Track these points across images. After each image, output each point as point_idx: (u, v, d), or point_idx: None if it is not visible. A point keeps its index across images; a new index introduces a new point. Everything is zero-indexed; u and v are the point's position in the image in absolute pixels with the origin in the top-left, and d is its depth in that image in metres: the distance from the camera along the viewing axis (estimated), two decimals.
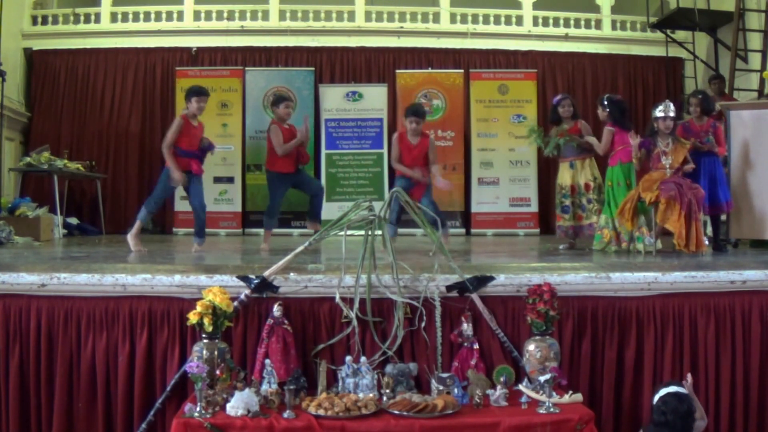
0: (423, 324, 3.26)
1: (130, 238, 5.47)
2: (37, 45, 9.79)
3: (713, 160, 5.41)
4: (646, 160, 5.28)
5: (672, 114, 5.12)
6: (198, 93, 5.72)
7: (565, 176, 5.86)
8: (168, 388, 3.20)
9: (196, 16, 9.99)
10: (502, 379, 3.02)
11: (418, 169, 5.65)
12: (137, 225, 5.61)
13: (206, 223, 8.69)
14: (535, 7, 10.21)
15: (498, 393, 2.95)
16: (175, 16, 9.94)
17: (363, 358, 3.14)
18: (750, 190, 5.64)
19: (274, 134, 5.74)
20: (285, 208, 8.41)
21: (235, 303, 3.21)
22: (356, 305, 3.22)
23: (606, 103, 5.68)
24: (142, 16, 9.92)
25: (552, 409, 2.84)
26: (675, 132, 5.20)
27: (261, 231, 8.79)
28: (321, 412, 2.76)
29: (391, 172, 9.02)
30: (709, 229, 5.90)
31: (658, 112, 5.16)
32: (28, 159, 8.18)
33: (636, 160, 5.25)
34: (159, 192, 5.64)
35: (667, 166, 5.07)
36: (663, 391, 2.88)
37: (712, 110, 5.60)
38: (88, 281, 3.34)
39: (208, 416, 2.74)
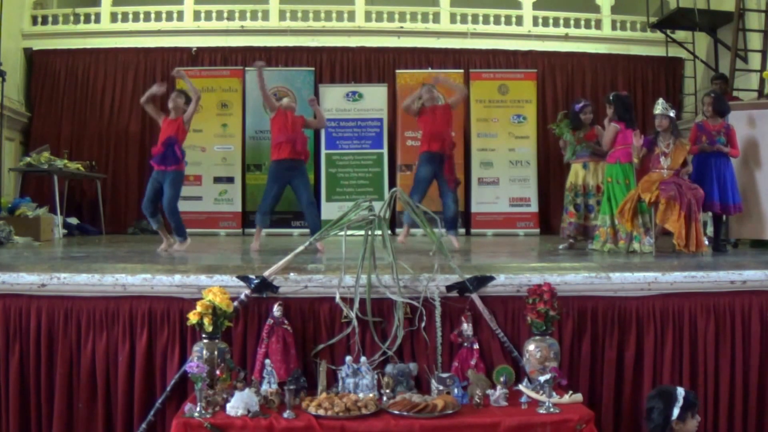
0: (423, 324, 3.26)
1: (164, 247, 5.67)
2: (37, 45, 9.79)
3: (724, 161, 5.39)
4: (647, 160, 5.27)
5: (660, 111, 5.14)
6: (172, 92, 5.78)
7: (578, 176, 5.89)
8: (168, 388, 3.20)
9: (196, 16, 9.99)
10: (502, 379, 3.02)
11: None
12: (160, 233, 5.77)
13: (206, 223, 8.85)
14: (535, 7, 10.21)
15: (498, 393, 2.95)
16: (175, 16, 9.94)
17: (363, 358, 3.15)
18: (750, 190, 5.64)
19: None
20: (285, 208, 8.43)
21: (235, 303, 3.21)
22: (356, 305, 3.22)
23: (612, 99, 5.68)
24: (142, 16, 9.92)
25: (552, 409, 2.84)
26: (676, 132, 5.19)
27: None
28: (321, 412, 2.76)
29: (392, 171, 9.12)
30: (709, 230, 5.90)
31: (654, 110, 5.20)
32: (28, 159, 8.18)
33: (637, 159, 5.23)
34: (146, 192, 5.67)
35: (666, 167, 5.06)
36: (652, 394, 2.95)
37: (726, 111, 5.54)
38: (88, 281, 3.34)
39: (208, 416, 2.74)
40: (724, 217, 5.63)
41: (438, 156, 5.66)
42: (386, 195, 4.34)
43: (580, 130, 5.92)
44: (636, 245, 5.20)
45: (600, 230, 5.48)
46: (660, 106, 5.17)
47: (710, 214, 5.59)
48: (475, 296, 3.31)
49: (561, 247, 5.83)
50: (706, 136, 5.39)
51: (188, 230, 5.85)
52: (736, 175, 5.56)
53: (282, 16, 10.06)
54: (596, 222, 5.73)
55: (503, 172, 9.27)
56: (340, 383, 3.09)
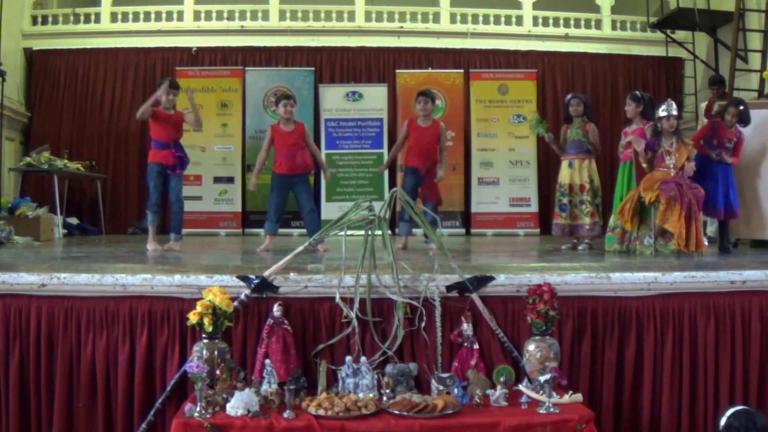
0: (423, 324, 3.26)
1: (149, 245, 5.53)
2: (37, 45, 9.79)
3: (728, 166, 5.36)
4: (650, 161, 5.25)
5: (675, 113, 5.10)
6: (170, 85, 5.62)
7: (564, 174, 5.87)
8: (168, 388, 3.20)
9: (196, 16, 9.99)
10: (502, 379, 3.02)
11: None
12: (150, 231, 5.66)
13: (206, 223, 8.85)
14: (535, 7, 10.22)
15: (498, 393, 2.95)
16: (175, 16, 9.95)
17: (363, 358, 3.14)
18: (750, 191, 5.64)
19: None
20: (286, 208, 8.44)
21: (235, 303, 3.21)
22: (356, 305, 3.22)
23: (641, 98, 5.61)
24: (142, 16, 9.93)
25: (552, 409, 2.84)
26: (678, 131, 5.18)
27: (261, 231, 8.85)
28: (321, 412, 2.76)
29: (392, 171, 9.09)
30: (710, 229, 5.90)
31: (662, 112, 5.12)
32: (28, 159, 8.18)
33: (645, 163, 5.17)
34: (150, 189, 5.59)
35: (671, 165, 5.05)
36: (730, 411, 2.83)
37: (749, 121, 5.41)
38: (88, 281, 3.34)
39: (208, 416, 2.74)
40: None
41: (420, 171, 5.65)
42: (386, 195, 4.34)
43: (573, 123, 5.89)
44: (644, 248, 5.17)
45: (616, 231, 5.46)
46: (670, 107, 5.12)
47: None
48: (475, 296, 3.30)
49: (564, 247, 5.82)
50: (717, 139, 5.34)
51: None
52: (736, 176, 5.55)
53: (282, 16, 10.06)
54: (583, 222, 5.73)
55: (503, 172, 9.27)
56: (340, 383, 3.09)
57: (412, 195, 5.61)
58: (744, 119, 5.37)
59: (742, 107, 5.39)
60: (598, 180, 5.85)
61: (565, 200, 5.82)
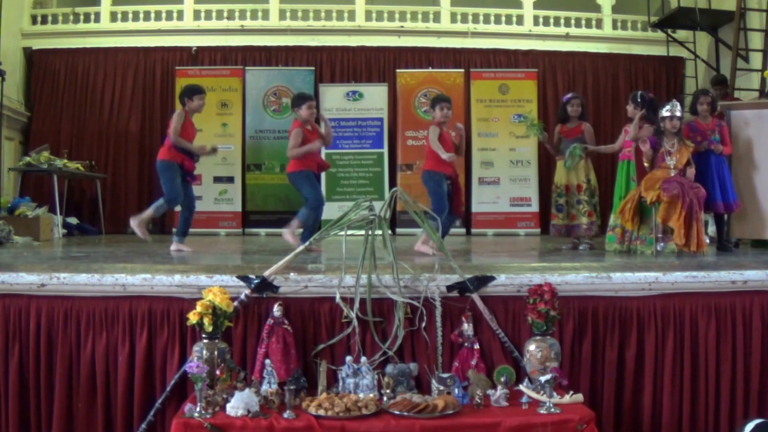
0: (423, 324, 3.25)
1: (140, 230, 5.63)
2: (37, 44, 9.79)
3: (721, 159, 5.36)
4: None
5: (679, 114, 5.09)
6: (200, 91, 5.71)
7: (560, 175, 5.85)
8: (168, 388, 3.19)
9: (196, 15, 9.99)
10: (502, 379, 3.01)
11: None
12: (151, 215, 5.77)
13: (206, 223, 8.84)
14: (536, 6, 10.21)
15: (498, 393, 2.94)
16: (175, 15, 9.95)
17: (363, 358, 3.14)
18: (751, 190, 5.62)
19: (294, 137, 5.41)
20: (285, 208, 8.45)
21: (235, 303, 3.20)
22: (356, 305, 3.22)
23: (640, 100, 5.55)
24: (142, 15, 9.92)
25: (552, 410, 2.83)
26: (681, 132, 5.17)
27: (260, 231, 8.87)
28: (321, 412, 2.75)
29: (393, 171, 9.10)
30: (710, 230, 5.88)
31: (665, 112, 5.11)
32: (27, 159, 8.19)
33: (648, 162, 5.16)
34: (174, 186, 5.51)
35: (672, 166, 5.03)
36: (750, 425, 2.83)
37: (717, 108, 5.55)
38: (88, 281, 3.33)
39: (208, 416, 2.73)
40: (725, 216, 5.61)
41: (450, 178, 5.31)
42: (386, 195, 4.33)
43: (568, 123, 5.88)
44: (646, 248, 5.14)
45: (616, 230, 5.43)
46: (674, 108, 5.11)
47: (711, 213, 5.58)
48: (475, 296, 3.30)
49: (565, 247, 5.81)
50: (701, 135, 5.36)
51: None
52: (736, 175, 5.55)
53: (282, 15, 10.06)
54: (580, 222, 5.71)
55: (504, 171, 9.27)
56: (341, 383, 3.09)
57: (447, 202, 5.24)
58: (714, 107, 5.46)
59: (711, 96, 5.49)
60: (595, 179, 5.83)
61: (561, 201, 5.80)
